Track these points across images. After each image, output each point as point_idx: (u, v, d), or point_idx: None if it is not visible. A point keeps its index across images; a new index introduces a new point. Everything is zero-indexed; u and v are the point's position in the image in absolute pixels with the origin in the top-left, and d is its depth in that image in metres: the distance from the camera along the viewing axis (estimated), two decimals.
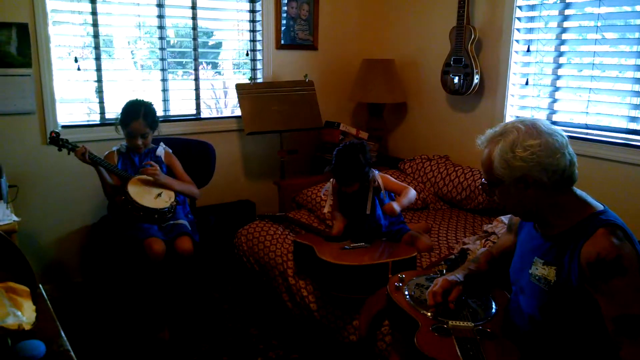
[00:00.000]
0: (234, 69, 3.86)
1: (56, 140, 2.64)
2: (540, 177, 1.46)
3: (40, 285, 1.47)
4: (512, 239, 1.82)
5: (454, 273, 1.84)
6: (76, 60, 3.14)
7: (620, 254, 1.36)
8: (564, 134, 1.51)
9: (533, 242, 1.61)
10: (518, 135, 1.48)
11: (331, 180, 2.77)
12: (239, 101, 3.57)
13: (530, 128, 1.48)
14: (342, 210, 2.71)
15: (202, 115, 3.71)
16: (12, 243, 1.41)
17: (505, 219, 2.48)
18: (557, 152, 1.46)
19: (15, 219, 2.10)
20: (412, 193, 2.56)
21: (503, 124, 1.56)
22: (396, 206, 2.44)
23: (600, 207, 1.51)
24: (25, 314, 1.24)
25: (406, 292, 1.85)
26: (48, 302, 1.41)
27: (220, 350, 2.70)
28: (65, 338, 1.25)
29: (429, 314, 1.71)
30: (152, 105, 2.88)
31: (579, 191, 1.54)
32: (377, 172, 2.65)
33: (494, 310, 1.75)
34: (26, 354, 1.12)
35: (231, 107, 3.90)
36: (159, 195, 2.80)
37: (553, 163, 1.45)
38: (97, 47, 3.20)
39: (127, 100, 2.87)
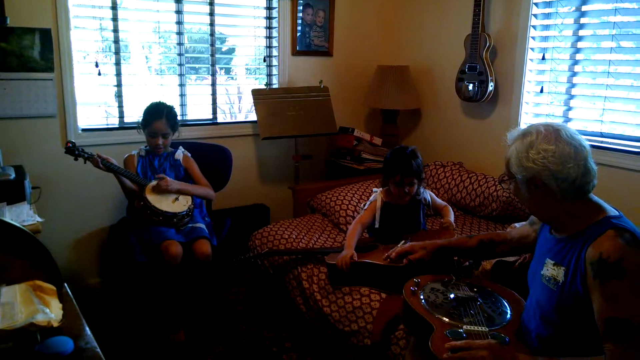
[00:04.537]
0: (247, 74, 3.91)
1: (72, 150, 2.68)
2: (549, 182, 1.49)
3: (66, 285, 1.52)
4: (528, 230, 1.88)
5: (443, 240, 2.13)
6: (97, 65, 3.21)
7: (623, 257, 1.37)
8: (587, 145, 1.52)
9: (547, 244, 1.64)
10: (536, 137, 1.52)
11: (380, 191, 2.71)
12: (255, 106, 3.61)
13: (550, 133, 1.52)
14: (386, 228, 2.65)
15: (218, 120, 3.76)
16: (40, 242, 1.45)
17: (519, 225, 2.49)
18: (569, 161, 1.47)
19: (39, 219, 2.15)
20: (452, 211, 2.72)
21: (531, 124, 1.62)
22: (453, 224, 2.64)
23: (615, 212, 1.52)
24: (52, 312, 1.28)
25: (422, 297, 1.87)
26: (74, 300, 1.45)
27: (234, 352, 2.74)
28: (91, 335, 1.28)
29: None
30: (174, 108, 2.95)
31: (595, 198, 1.55)
32: (422, 188, 2.71)
33: (509, 316, 1.77)
34: (56, 349, 1.16)
35: (245, 111, 3.95)
36: (176, 199, 2.85)
37: (562, 171, 1.47)
38: (117, 52, 3.27)
39: (150, 102, 2.94)
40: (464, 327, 1.68)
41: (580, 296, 1.45)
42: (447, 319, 1.73)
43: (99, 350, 1.23)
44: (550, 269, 1.56)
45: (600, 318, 1.39)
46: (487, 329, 1.67)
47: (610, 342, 1.36)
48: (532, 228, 1.87)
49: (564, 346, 1.53)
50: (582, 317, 1.46)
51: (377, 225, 2.67)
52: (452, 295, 1.87)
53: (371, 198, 2.74)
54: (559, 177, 1.48)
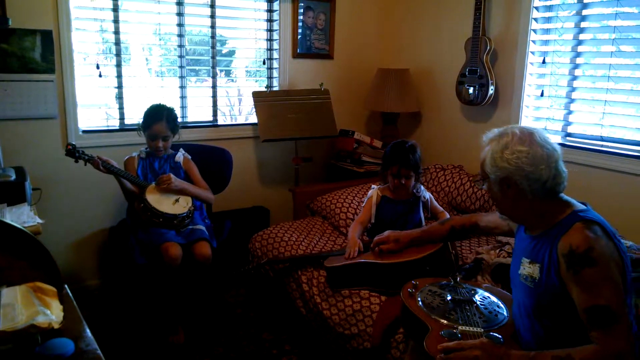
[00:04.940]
0: (247, 76, 3.92)
1: (72, 152, 2.68)
2: (521, 182, 1.57)
3: (66, 286, 1.52)
4: (500, 222, 1.95)
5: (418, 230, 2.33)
6: (97, 67, 3.21)
7: (591, 246, 1.44)
8: (558, 149, 1.59)
9: (522, 244, 1.70)
10: (512, 139, 1.60)
11: (377, 188, 2.76)
12: (255, 108, 3.62)
13: (525, 135, 1.59)
14: (383, 223, 2.67)
15: (218, 122, 3.76)
16: (41, 244, 1.45)
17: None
18: (541, 163, 1.55)
19: (40, 221, 2.14)
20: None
21: (506, 127, 1.68)
22: None
23: (582, 206, 1.59)
24: (53, 313, 1.28)
25: (419, 299, 1.89)
26: (74, 302, 1.45)
27: (234, 355, 2.73)
28: (92, 337, 1.28)
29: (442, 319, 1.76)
30: (174, 110, 2.95)
31: (564, 196, 1.62)
32: (422, 187, 2.77)
33: (505, 317, 1.79)
34: (56, 351, 1.16)
35: (245, 114, 3.95)
36: (177, 200, 2.85)
37: (535, 172, 1.55)
38: (118, 54, 3.27)
39: (150, 104, 2.94)
40: (459, 327, 1.71)
41: (557, 289, 1.51)
42: (443, 320, 1.76)
43: (99, 352, 1.23)
44: (527, 267, 1.62)
45: (582, 309, 1.44)
46: (482, 330, 1.69)
47: (595, 330, 1.42)
48: (505, 222, 1.95)
49: (552, 342, 1.55)
50: (561, 310, 1.52)
51: (372, 220, 2.69)
52: (448, 297, 1.90)
53: (368, 194, 2.77)
54: (531, 178, 1.55)
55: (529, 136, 1.58)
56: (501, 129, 1.67)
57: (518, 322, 1.71)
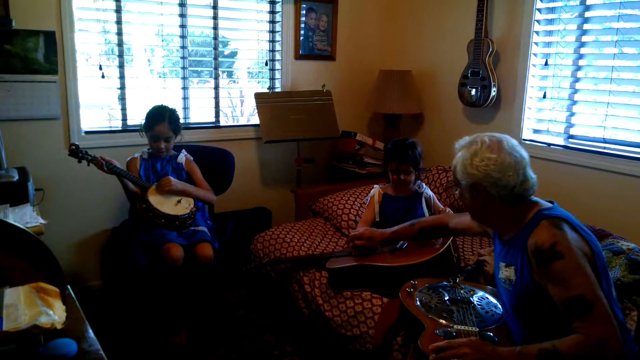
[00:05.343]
0: (249, 77, 3.92)
1: (75, 152, 2.69)
2: (490, 189, 1.62)
3: (69, 286, 1.52)
4: (468, 222, 1.98)
5: (389, 230, 2.35)
6: (100, 68, 3.22)
7: (556, 241, 1.49)
8: (526, 156, 1.65)
9: (497, 249, 1.75)
10: (481, 146, 1.65)
11: (378, 187, 2.80)
12: (258, 110, 3.62)
13: (493, 143, 1.64)
14: (386, 220, 2.68)
15: (221, 123, 3.77)
16: (44, 244, 1.45)
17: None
18: (509, 170, 1.60)
19: (42, 221, 2.14)
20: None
21: (476, 135, 1.72)
22: None
23: (548, 204, 1.64)
24: (56, 314, 1.29)
25: (417, 298, 1.93)
26: (77, 302, 1.45)
27: (235, 356, 2.74)
28: (94, 338, 1.28)
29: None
30: (176, 111, 2.95)
31: (533, 198, 1.66)
32: (424, 184, 2.81)
33: (502, 317, 1.81)
34: (59, 352, 1.16)
35: (247, 115, 3.95)
36: (179, 202, 2.85)
37: (502, 179, 1.60)
38: (120, 55, 3.28)
39: (153, 105, 2.95)
40: (455, 327, 1.75)
41: (532, 289, 1.55)
42: (439, 320, 1.79)
43: (102, 352, 1.23)
44: (504, 271, 1.67)
45: (558, 302, 1.48)
46: (477, 329, 1.72)
47: (576, 320, 1.45)
48: (477, 223, 1.97)
49: (538, 340, 1.57)
50: (540, 309, 1.56)
51: (377, 219, 2.69)
52: (446, 297, 1.94)
53: (370, 194, 2.79)
54: (499, 184, 1.60)
55: (497, 144, 1.64)
56: (472, 136, 1.72)
57: (509, 324, 1.76)
